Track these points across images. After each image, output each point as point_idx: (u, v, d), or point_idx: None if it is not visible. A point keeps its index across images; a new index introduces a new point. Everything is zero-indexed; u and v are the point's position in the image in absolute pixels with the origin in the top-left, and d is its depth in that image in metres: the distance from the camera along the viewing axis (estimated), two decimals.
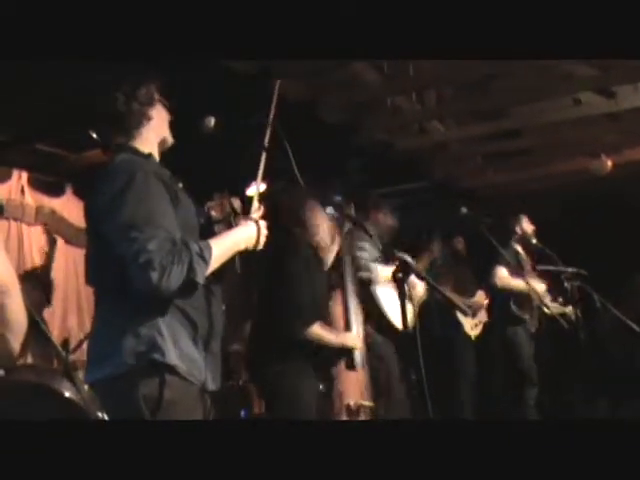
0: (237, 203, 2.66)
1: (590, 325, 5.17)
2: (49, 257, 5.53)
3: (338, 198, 4.10)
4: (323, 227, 4.07)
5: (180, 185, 2.53)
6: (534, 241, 5.83)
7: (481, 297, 6.02)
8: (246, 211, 2.71)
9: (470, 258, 6.44)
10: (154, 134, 2.58)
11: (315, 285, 3.96)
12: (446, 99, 5.72)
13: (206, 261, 2.34)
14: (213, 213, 2.58)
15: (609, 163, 6.28)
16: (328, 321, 4.00)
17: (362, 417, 3.96)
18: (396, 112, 5.69)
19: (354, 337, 4.03)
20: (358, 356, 4.03)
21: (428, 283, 2.72)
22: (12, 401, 2.00)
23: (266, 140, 2.89)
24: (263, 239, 2.61)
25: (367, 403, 4.00)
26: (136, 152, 2.51)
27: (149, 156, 2.54)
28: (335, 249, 4.21)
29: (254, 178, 2.87)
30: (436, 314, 5.46)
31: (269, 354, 3.86)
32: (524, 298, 5.66)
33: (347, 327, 4.07)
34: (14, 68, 3.72)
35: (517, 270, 5.59)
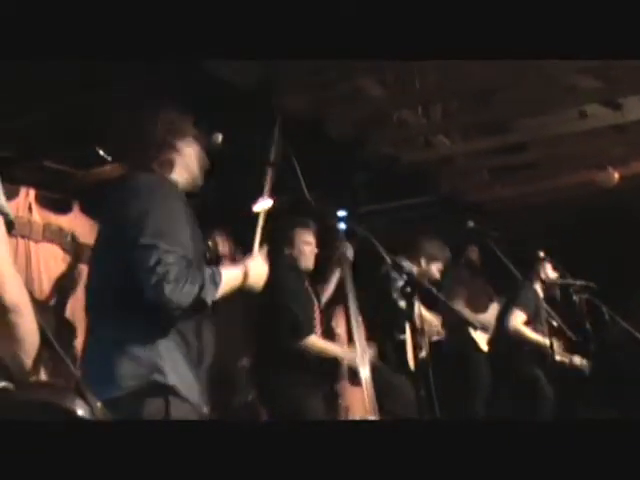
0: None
1: (599, 337, 5.15)
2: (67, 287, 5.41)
3: (344, 213, 4.13)
4: (309, 248, 4.21)
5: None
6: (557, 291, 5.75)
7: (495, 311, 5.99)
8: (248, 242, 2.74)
9: (485, 268, 6.39)
10: (182, 167, 2.60)
11: (305, 300, 4.05)
12: (452, 113, 5.72)
13: (217, 285, 2.36)
14: (219, 247, 2.62)
15: (616, 175, 6.26)
16: (331, 337, 4.05)
17: None
18: (402, 126, 5.69)
19: (352, 354, 4.04)
20: (362, 372, 4.03)
21: (437, 298, 2.71)
22: (21, 417, 1.99)
23: (272, 157, 2.89)
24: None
25: (372, 418, 3.99)
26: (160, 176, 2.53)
27: (170, 182, 2.55)
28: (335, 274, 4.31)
29: (260, 194, 2.87)
30: (449, 330, 5.44)
31: (272, 369, 3.89)
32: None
33: (350, 344, 4.09)
34: (24, 84, 3.75)
35: (533, 317, 5.53)
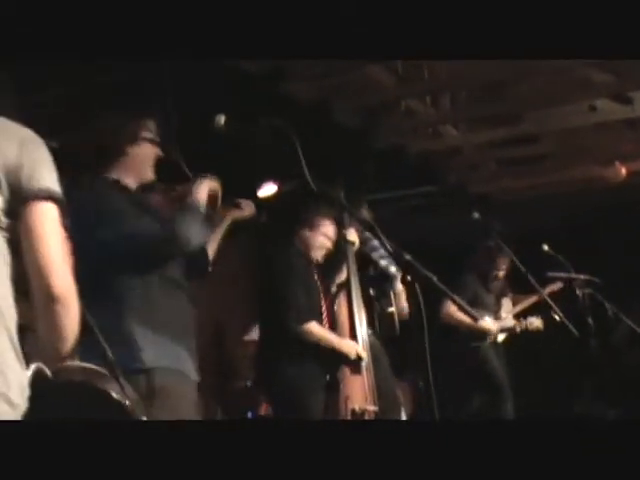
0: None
1: (602, 333, 5.13)
2: None
3: (348, 202, 4.12)
4: (325, 240, 4.19)
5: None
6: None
7: (508, 304, 5.95)
8: None
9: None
10: (132, 169, 2.77)
11: (310, 288, 4.04)
12: (461, 103, 5.69)
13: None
14: None
15: (624, 171, 6.23)
16: (333, 327, 4.05)
17: None
18: (410, 115, 5.66)
19: (351, 345, 4.04)
20: (363, 360, 4.04)
21: (439, 288, 2.69)
22: (60, 400, 2.00)
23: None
24: None
25: (372, 407, 4.00)
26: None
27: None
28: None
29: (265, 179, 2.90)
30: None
31: (274, 354, 3.90)
32: None
33: (352, 333, 4.08)
34: None
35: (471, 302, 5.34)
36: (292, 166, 2.72)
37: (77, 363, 2.31)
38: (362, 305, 4.20)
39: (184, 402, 2.56)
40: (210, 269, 2.99)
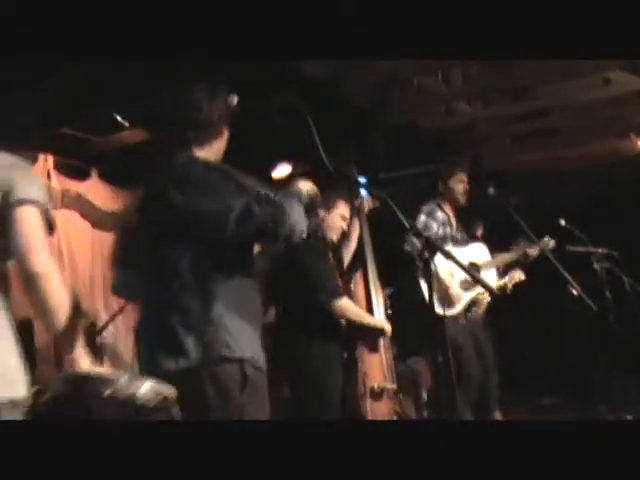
0: None
1: (620, 307, 5.09)
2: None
3: (363, 179, 4.11)
4: (340, 221, 4.16)
5: None
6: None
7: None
8: None
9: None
10: (215, 150, 2.71)
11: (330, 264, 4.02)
12: (473, 78, 5.63)
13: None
14: None
15: (639, 143, 6.17)
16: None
17: (385, 400, 3.95)
18: (422, 92, 5.62)
19: (382, 320, 4.04)
20: (381, 338, 4.03)
21: (455, 261, 2.69)
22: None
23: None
24: None
25: (390, 386, 4.00)
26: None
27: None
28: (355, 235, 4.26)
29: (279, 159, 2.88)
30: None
31: (293, 332, 3.89)
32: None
33: (369, 310, 4.07)
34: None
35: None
36: (306, 146, 2.72)
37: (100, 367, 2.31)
38: (379, 284, 4.19)
39: (265, 394, 2.56)
40: None
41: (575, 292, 5.03)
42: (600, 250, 5.05)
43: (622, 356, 5.66)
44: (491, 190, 4.81)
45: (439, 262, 2.63)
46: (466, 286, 4.89)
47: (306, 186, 2.71)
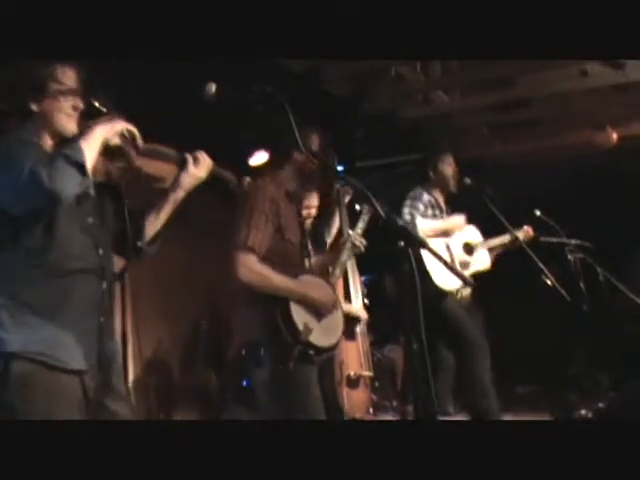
0: None
1: (598, 300, 5.13)
2: None
3: (340, 168, 4.10)
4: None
5: None
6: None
7: None
8: None
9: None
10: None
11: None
12: (451, 69, 5.65)
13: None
14: None
15: (614, 136, 6.22)
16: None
17: (362, 387, 3.98)
18: (400, 81, 5.63)
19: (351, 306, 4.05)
20: (358, 326, 4.05)
21: (431, 252, 2.70)
22: None
23: None
24: None
25: (366, 373, 4.02)
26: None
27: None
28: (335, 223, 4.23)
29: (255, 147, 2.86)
30: None
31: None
32: None
33: (347, 298, 4.08)
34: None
35: None
36: (285, 134, 2.71)
37: None
38: (356, 269, 4.21)
39: (48, 394, 2.20)
40: (151, 250, 2.57)
41: (549, 282, 5.08)
42: (574, 241, 5.09)
43: (595, 346, 5.73)
44: (467, 180, 4.82)
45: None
46: (463, 266, 4.89)
47: (103, 133, 2.42)
